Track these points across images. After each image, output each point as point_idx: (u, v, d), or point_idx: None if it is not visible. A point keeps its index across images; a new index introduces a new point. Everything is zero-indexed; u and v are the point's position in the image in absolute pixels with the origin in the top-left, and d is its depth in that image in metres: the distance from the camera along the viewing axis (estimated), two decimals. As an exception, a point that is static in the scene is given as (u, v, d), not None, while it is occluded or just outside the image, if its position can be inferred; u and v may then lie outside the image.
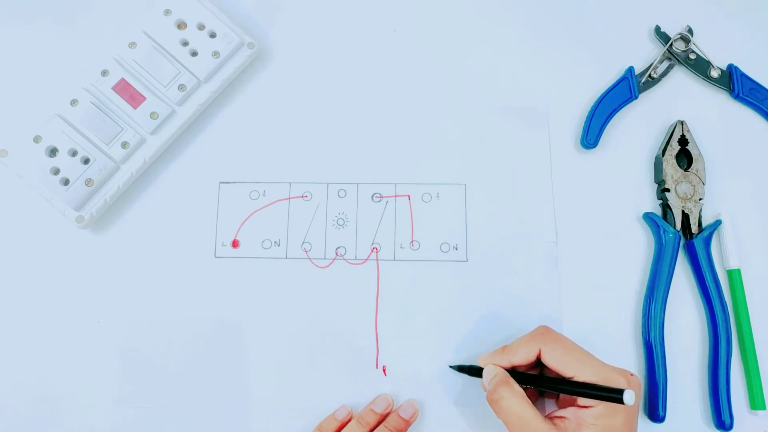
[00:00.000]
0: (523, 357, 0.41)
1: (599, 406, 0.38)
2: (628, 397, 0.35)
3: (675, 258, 0.47)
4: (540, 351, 0.40)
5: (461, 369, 0.45)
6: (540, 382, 0.41)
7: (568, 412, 0.39)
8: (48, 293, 0.48)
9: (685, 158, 0.49)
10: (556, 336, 0.41)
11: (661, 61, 0.51)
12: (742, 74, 0.51)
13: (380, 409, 0.44)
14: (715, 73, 0.51)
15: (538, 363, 0.41)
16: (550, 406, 0.45)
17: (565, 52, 0.52)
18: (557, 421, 0.39)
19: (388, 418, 0.44)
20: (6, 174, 0.48)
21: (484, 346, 0.46)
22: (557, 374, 0.40)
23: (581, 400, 0.38)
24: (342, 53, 0.52)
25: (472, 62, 0.52)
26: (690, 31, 0.52)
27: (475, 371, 0.44)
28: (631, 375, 0.39)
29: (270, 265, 0.48)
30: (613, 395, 0.36)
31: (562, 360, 0.39)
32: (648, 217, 0.48)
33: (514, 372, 0.41)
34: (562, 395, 0.42)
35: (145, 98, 0.48)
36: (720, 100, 0.51)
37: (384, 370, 0.46)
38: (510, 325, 0.47)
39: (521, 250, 0.48)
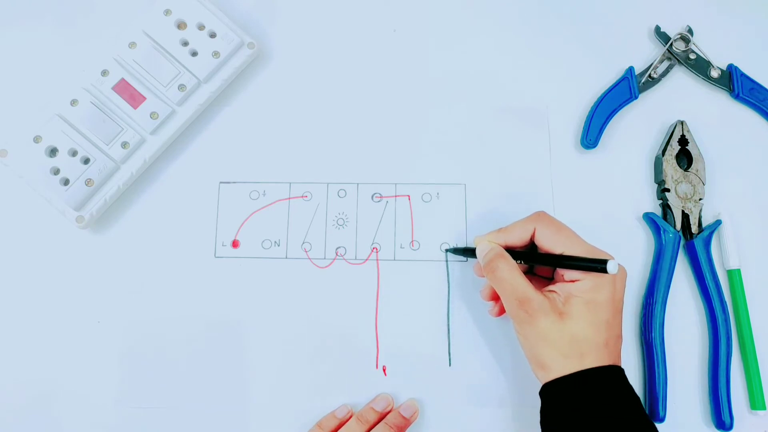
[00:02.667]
0: (518, 236, 0.43)
1: (585, 280, 0.39)
2: (612, 266, 0.37)
3: (675, 258, 0.47)
4: (534, 231, 0.42)
5: (456, 251, 0.47)
6: (530, 258, 0.42)
7: (556, 286, 0.40)
8: (48, 293, 0.48)
9: (685, 158, 0.49)
10: (551, 218, 0.42)
11: (661, 61, 0.51)
12: (742, 74, 0.51)
13: (380, 408, 0.45)
14: (715, 73, 0.51)
15: (531, 249, 0.43)
16: None
17: (565, 52, 0.52)
18: (547, 293, 0.40)
19: (389, 416, 0.44)
20: (6, 174, 0.48)
21: (484, 345, 0.46)
22: (548, 252, 0.41)
23: (569, 275, 0.40)
24: (342, 53, 0.52)
25: (472, 62, 0.52)
26: (690, 31, 0.52)
27: (470, 252, 0.45)
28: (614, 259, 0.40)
29: (270, 265, 0.48)
30: (597, 265, 0.38)
31: (553, 238, 0.41)
32: (648, 217, 0.48)
33: (507, 249, 0.43)
34: (552, 282, 0.43)
35: (145, 98, 0.48)
36: (720, 100, 0.51)
37: (384, 370, 0.46)
38: (510, 325, 0.46)
39: (521, 250, 0.48)
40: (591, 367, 0.38)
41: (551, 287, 0.41)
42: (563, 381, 0.38)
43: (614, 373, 0.39)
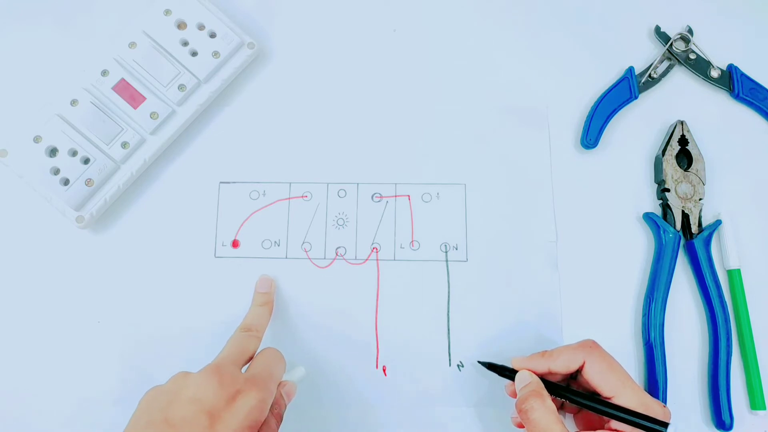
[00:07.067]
0: (564, 364, 0.39)
1: None
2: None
3: (675, 258, 0.47)
4: (584, 362, 0.39)
5: (491, 367, 0.43)
6: (579, 399, 0.39)
7: None
8: (48, 293, 0.48)
9: (685, 158, 0.49)
10: (603, 352, 0.39)
11: (661, 61, 0.51)
12: (742, 74, 0.51)
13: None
14: (715, 73, 0.51)
15: (569, 378, 0.40)
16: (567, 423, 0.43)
17: (565, 52, 0.52)
18: None
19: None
20: (6, 174, 0.48)
21: (484, 346, 0.46)
22: (594, 390, 0.39)
23: (614, 424, 0.37)
24: (342, 53, 0.52)
25: (472, 62, 0.52)
26: (690, 31, 0.52)
27: (506, 372, 0.42)
28: (663, 407, 0.38)
29: (270, 265, 0.48)
30: (658, 427, 0.35)
31: (605, 377, 0.38)
32: (648, 217, 0.48)
33: (550, 383, 0.40)
34: (581, 411, 0.41)
35: (145, 98, 0.48)
36: (720, 100, 0.51)
37: (384, 370, 0.46)
38: (510, 325, 0.47)
39: (521, 250, 0.48)
40: None
41: None
42: None
43: None
